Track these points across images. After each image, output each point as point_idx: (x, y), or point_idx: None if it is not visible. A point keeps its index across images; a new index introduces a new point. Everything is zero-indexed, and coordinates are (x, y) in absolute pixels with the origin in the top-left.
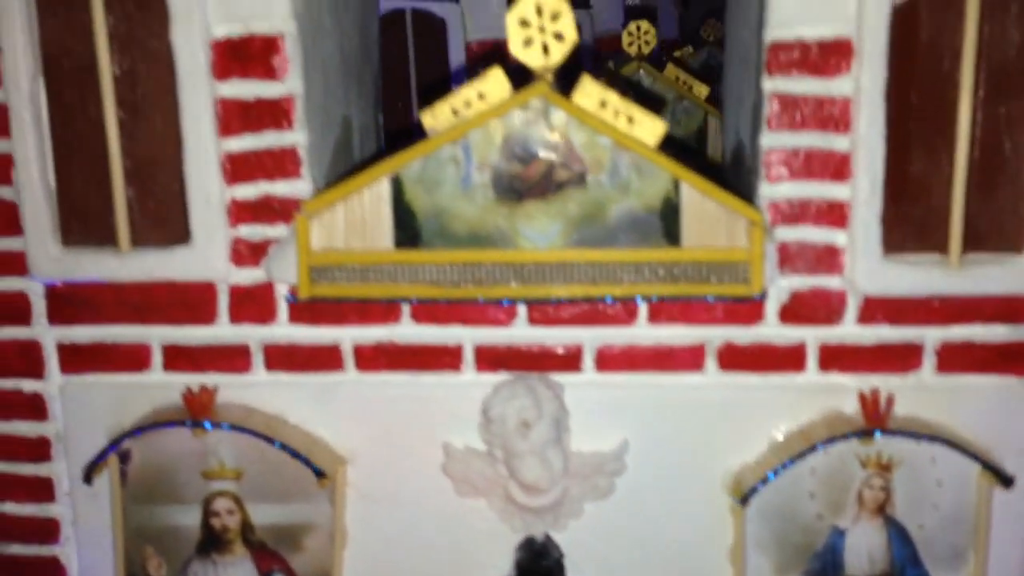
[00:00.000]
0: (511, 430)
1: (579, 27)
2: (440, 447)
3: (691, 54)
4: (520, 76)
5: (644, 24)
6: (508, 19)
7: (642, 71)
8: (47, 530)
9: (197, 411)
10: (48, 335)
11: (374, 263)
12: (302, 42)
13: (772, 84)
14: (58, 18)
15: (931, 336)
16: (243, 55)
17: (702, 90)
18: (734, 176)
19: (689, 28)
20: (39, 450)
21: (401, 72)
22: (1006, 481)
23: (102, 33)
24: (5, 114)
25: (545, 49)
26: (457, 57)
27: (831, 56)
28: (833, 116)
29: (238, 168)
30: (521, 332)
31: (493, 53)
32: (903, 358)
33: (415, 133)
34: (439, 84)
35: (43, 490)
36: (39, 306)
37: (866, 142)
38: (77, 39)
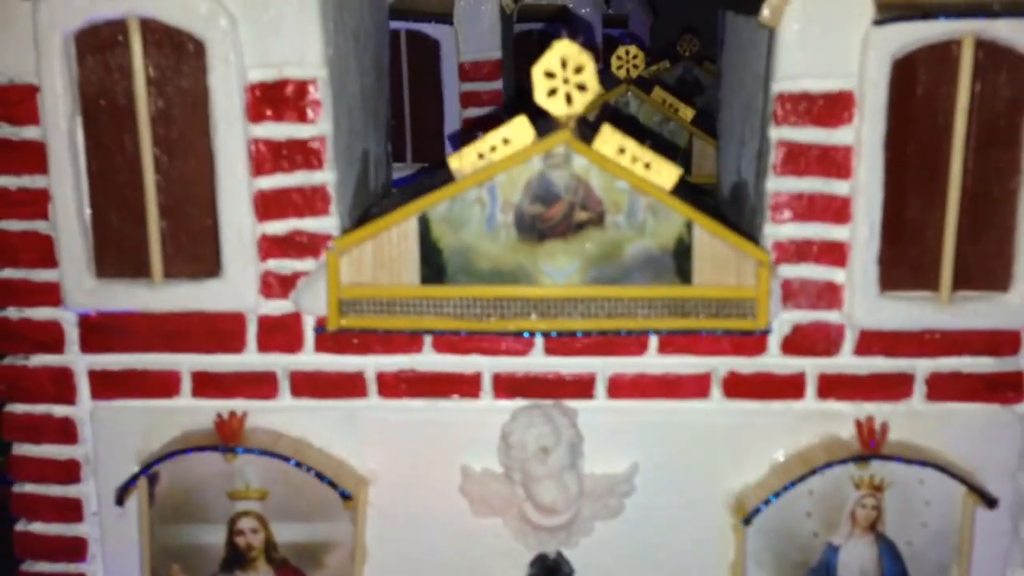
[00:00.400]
0: (530, 455)
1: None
2: (458, 469)
3: (667, 68)
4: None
5: (633, 49)
6: (534, 70)
7: (630, 94)
8: (75, 549)
9: (228, 436)
10: (80, 362)
11: (401, 297)
12: (332, 86)
13: (779, 133)
14: (97, 59)
15: (922, 367)
16: (277, 99)
17: (687, 112)
18: (735, 212)
19: (660, 37)
20: (69, 472)
21: (395, 91)
22: (990, 502)
23: (140, 75)
24: (43, 151)
25: (568, 99)
26: (450, 76)
27: (834, 108)
28: (835, 163)
29: (269, 205)
30: (538, 361)
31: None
32: (896, 387)
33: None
34: (431, 102)
35: (72, 510)
36: (72, 334)
37: (866, 188)
38: (115, 80)
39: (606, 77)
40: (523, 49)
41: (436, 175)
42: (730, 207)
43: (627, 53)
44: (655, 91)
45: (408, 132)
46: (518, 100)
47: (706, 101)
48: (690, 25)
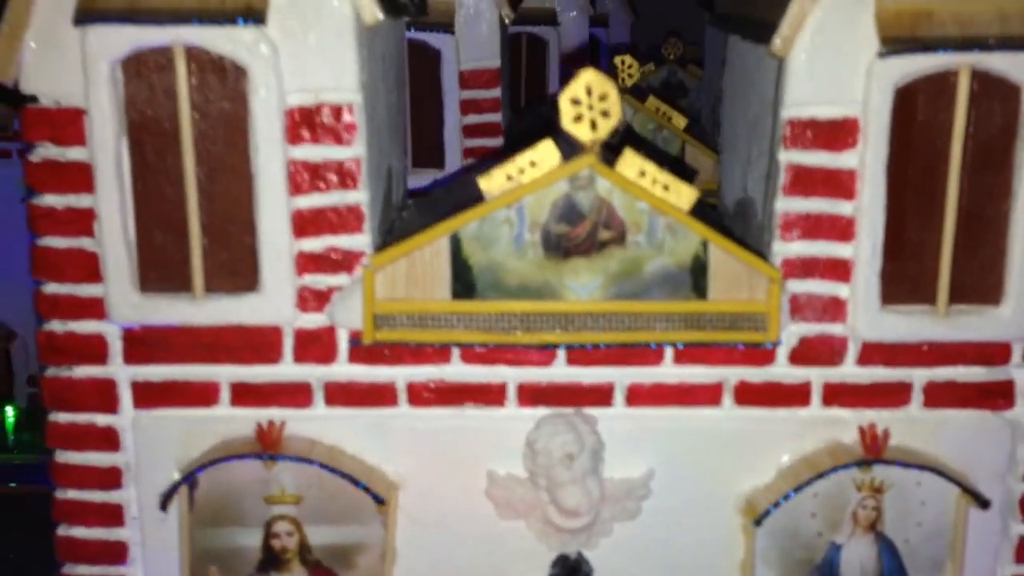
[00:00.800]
0: (556, 462)
1: (547, 43)
2: (484, 474)
3: (652, 71)
4: None
5: (628, 59)
6: (560, 98)
7: (625, 103)
8: (116, 552)
9: (268, 445)
10: (123, 373)
11: (433, 312)
12: (365, 109)
13: (787, 156)
14: (142, 83)
15: (919, 376)
16: (314, 122)
17: (680, 121)
18: (740, 226)
19: (640, 36)
20: (110, 478)
21: None
22: (983, 503)
23: (184, 98)
24: (89, 171)
25: (593, 125)
26: (450, 84)
27: (840, 133)
28: (841, 185)
29: (306, 223)
30: (560, 371)
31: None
32: (895, 395)
33: None
34: (432, 109)
35: (113, 515)
36: (115, 347)
37: (869, 208)
38: (160, 103)
39: None
40: (512, 52)
41: (450, 187)
42: (735, 221)
43: (623, 63)
44: (649, 100)
45: (409, 138)
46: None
47: (690, 103)
48: (673, 28)
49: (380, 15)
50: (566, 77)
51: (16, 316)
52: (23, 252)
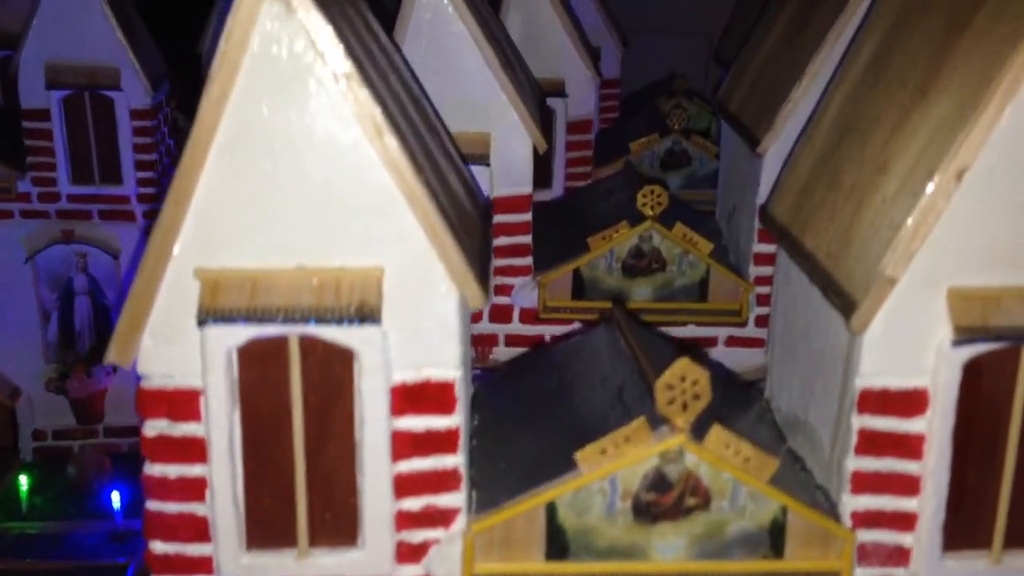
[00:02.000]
0: None
1: (554, 113)
2: None
3: (656, 140)
4: None
5: (657, 188)
6: (657, 384)
7: (653, 230)
8: None
9: None
10: None
11: (527, 573)
12: (464, 380)
13: (860, 421)
14: (256, 365)
15: None
16: (418, 397)
17: (705, 247)
18: (796, 439)
19: (630, 67)
20: None
21: None
22: None
23: (296, 379)
24: (203, 445)
25: (684, 407)
26: None
27: (910, 402)
28: (909, 447)
29: (406, 485)
30: None
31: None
32: None
33: None
34: None
35: None
36: None
37: (935, 469)
38: (272, 382)
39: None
40: None
41: (508, 374)
42: (788, 429)
43: (652, 192)
44: (676, 227)
45: None
46: None
47: (693, 171)
48: (689, 97)
49: (486, 299)
50: (574, 144)
51: (20, 373)
52: (26, 310)
